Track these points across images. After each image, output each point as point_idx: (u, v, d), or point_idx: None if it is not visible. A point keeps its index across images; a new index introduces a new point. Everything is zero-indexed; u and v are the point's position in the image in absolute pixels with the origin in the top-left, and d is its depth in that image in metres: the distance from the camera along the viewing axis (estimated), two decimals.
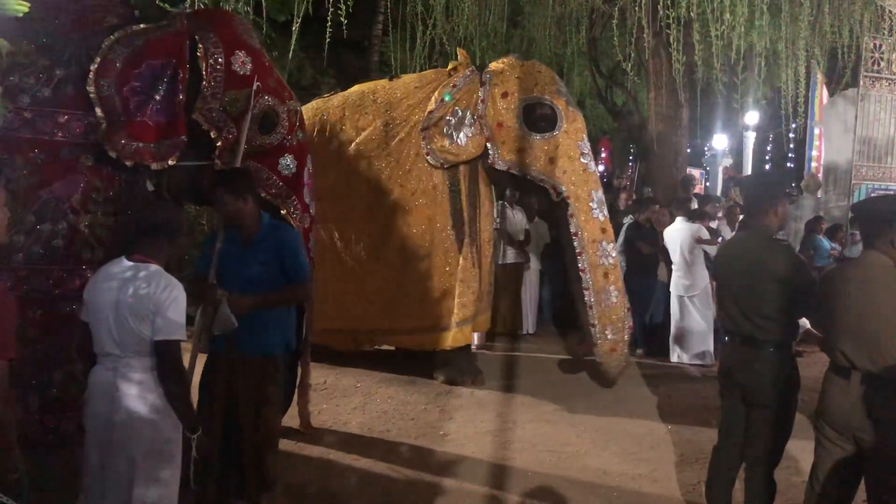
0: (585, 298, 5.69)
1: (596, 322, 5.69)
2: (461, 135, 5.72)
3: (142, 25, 3.96)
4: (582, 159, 5.73)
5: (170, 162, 3.86)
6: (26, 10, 2.40)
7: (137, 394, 2.74)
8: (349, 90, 6.43)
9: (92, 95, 3.75)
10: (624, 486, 4.33)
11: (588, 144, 5.83)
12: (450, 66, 6.07)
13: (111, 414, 2.74)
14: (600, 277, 5.67)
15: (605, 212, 5.81)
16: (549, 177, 5.67)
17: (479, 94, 5.72)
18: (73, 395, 4.02)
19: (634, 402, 6.05)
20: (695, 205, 8.02)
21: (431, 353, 6.32)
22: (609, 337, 5.72)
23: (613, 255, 5.78)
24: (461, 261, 5.96)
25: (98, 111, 3.76)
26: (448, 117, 5.74)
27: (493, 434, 5.14)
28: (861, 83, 10.70)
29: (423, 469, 4.48)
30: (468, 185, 5.97)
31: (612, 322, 5.72)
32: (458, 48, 6.28)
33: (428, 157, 5.80)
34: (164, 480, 2.80)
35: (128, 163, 3.82)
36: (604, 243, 5.68)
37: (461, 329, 6.01)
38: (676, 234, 7.30)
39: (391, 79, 6.33)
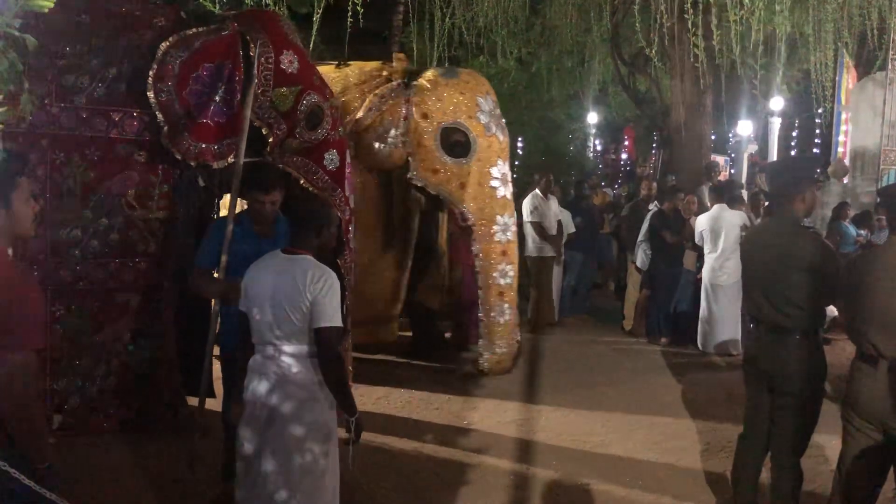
0: (480, 314, 5.98)
1: (485, 336, 6.01)
2: (386, 146, 5.83)
3: (194, 29, 4.05)
4: (492, 183, 5.88)
5: (229, 160, 3.96)
6: (51, 5, 2.45)
7: (293, 378, 2.86)
8: None
9: (152, 100, 3.86)
10: (649, 475, 4.33)
11: (504, 167, 5.97)
12: (385, 71, 6.08)
13: (270, 399, 2.85)
14: (495, 296, 5.95)
15: (510, 234, 6.02)
16: (458, 201, 5.83)
17: (403, 111, 5.80)
18: (128, 383, 4.21)
19: (659, 391, 6.03)
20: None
21: (457, 345, 6.57)
22: (497, 351, 6.03)
23: (511, 275, 6.03)
24: (378, 262, 6.18)
25: (159, 115, 3.87)
26: (377, 126, 5.83)
27: (516, 423, 5.15)
28: (890, 66, 10.49)
29: (447, 458, 4.51)
30: (393, 191, 6.21)
31: (503, 337, 6.05)
32: (395, 53, 6.28)
33: (354, 160, 5.85)
34: (299, 466, 2.89)
35: (192, 163, 3.95)
36: (503, 265, 5.95)
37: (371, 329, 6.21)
38: (719, 221, 7.09)
39: (339, 66, 6.32)
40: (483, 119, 5.89)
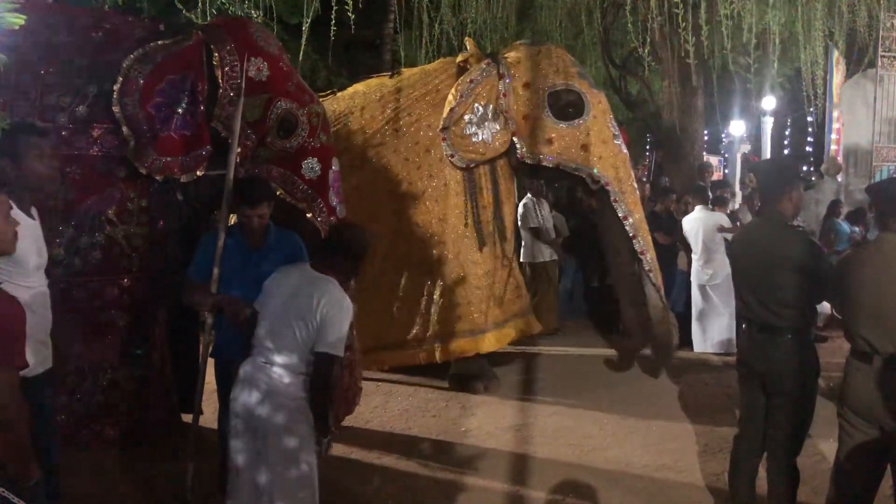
0: (651, 280, 5.50)
1: (661, 301, 5.56)
2: (485, 132, 5.47)
3: (159, 42, 4.02)
4: (615, 141, 5.52)
5: (197, 173, 3.93)
6: (22, 22, 2.46)
7: (284, 390, 2.87)
8: (347, 90, 6.27)
9: (118, 115, 3.83)
10: (647, 478, 4.32)
11: (616, 125, 5.62)
12: (459, 58, 5.84)
13: (261, 409, 2.86)
14: (654, 256, 5.56)
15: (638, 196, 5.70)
16: (584, 165, 5.42)
17: (500, 87, 5.48)
18: (116, 401, 4.18)
19: (656, 393, 6.01)
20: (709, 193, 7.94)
21: None
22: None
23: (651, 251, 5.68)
24: (482, 262, 5.73)
25: (125, 129, 3.85)
26: (468, 115, 5.49)
27: (514, 429, 5.14)
28: (879, 63, 10.52)
29: (445, 466, 4.49)
30: (489, 183, 5.73)
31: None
32: (466, 39, 6.05)
33: (452, 159, 5.55)
34: (295, 478, 2.93)
35: (158, 177, 3.91)
36: (643, 222, 5.62)
37: (496, 332, 5.82)
38: (696, 222, 7.23)
39: (392, 76, 6.19)
40: (585, 77, 5.60)
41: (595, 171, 5.40)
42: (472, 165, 5.64)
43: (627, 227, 5.45)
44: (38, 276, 3.00)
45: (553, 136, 5.43)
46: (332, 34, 6.52)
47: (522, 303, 6.16)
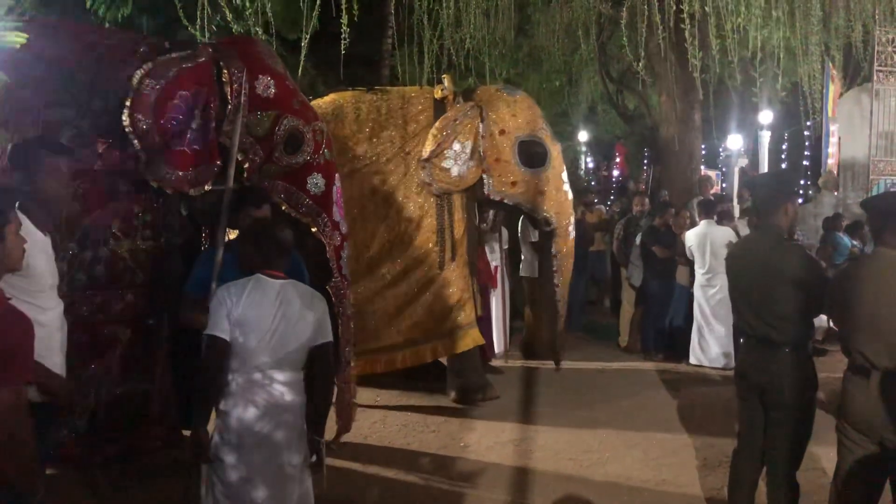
0: (559, 308, 6.47)
1: (559, 328, 6.57)
2: (462, 167, 5.93)
3: (171, 56, 4.04)
4: (564, 188, 6.31)
5: (206, 187, 3.95)
6: (23, 41, 2.49)
7: (287, 405, 2.90)
8: (324, 98, 6.35)
9: (128, 130, 3.83)
10: (647, 492, 4.31)
11: (565, 171, 6.41)
12: (437, 94, 6.15)
13: (261, 425, 2.85)
14: (566, 289, 6.52)
15: (574, 230, 6.54)
16: (538, 209, 6.18)
17: (480, 129, 5.98)
18: (117, 417, 4.17)
19: (655, 407, 6.01)
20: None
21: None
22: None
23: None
24: (455, 273, 6.05)
25: (136, 144, 3.84)
26: (448, 150, 5.89)
27: (514, 443, 5.13)
28: (875, 77, 10.60)
29: (444, 480, 4.48)
30: (454, 208, 6.13)
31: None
32: (444, 76, 6.35)
33: (430, 187, 5.97)
34: (299, 494, 2.98)
35: (168, 191, 3.92)
36: (570, 260, 6.51)
37: (467, 333, 6.02)
38: (703, 237, 7.20)
39: (369, 90, 6.36)
40: (548, 129, 6.35)
41: (547, 215, 6.22)
42: (444, 194, 6.09)
43: (554, 263, 6.36)
44: (53, 295, 3.00)
45: (517, 179, 6.07)
46: (342, 48, 6.67)
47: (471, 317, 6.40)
